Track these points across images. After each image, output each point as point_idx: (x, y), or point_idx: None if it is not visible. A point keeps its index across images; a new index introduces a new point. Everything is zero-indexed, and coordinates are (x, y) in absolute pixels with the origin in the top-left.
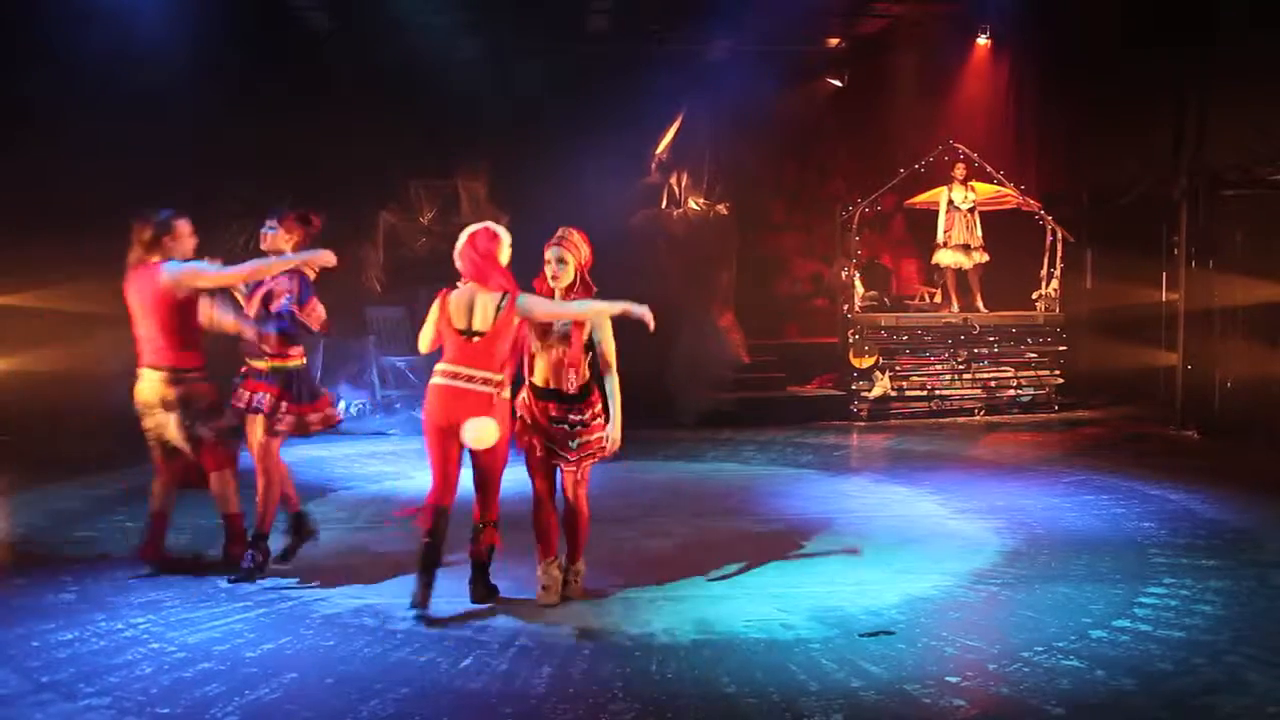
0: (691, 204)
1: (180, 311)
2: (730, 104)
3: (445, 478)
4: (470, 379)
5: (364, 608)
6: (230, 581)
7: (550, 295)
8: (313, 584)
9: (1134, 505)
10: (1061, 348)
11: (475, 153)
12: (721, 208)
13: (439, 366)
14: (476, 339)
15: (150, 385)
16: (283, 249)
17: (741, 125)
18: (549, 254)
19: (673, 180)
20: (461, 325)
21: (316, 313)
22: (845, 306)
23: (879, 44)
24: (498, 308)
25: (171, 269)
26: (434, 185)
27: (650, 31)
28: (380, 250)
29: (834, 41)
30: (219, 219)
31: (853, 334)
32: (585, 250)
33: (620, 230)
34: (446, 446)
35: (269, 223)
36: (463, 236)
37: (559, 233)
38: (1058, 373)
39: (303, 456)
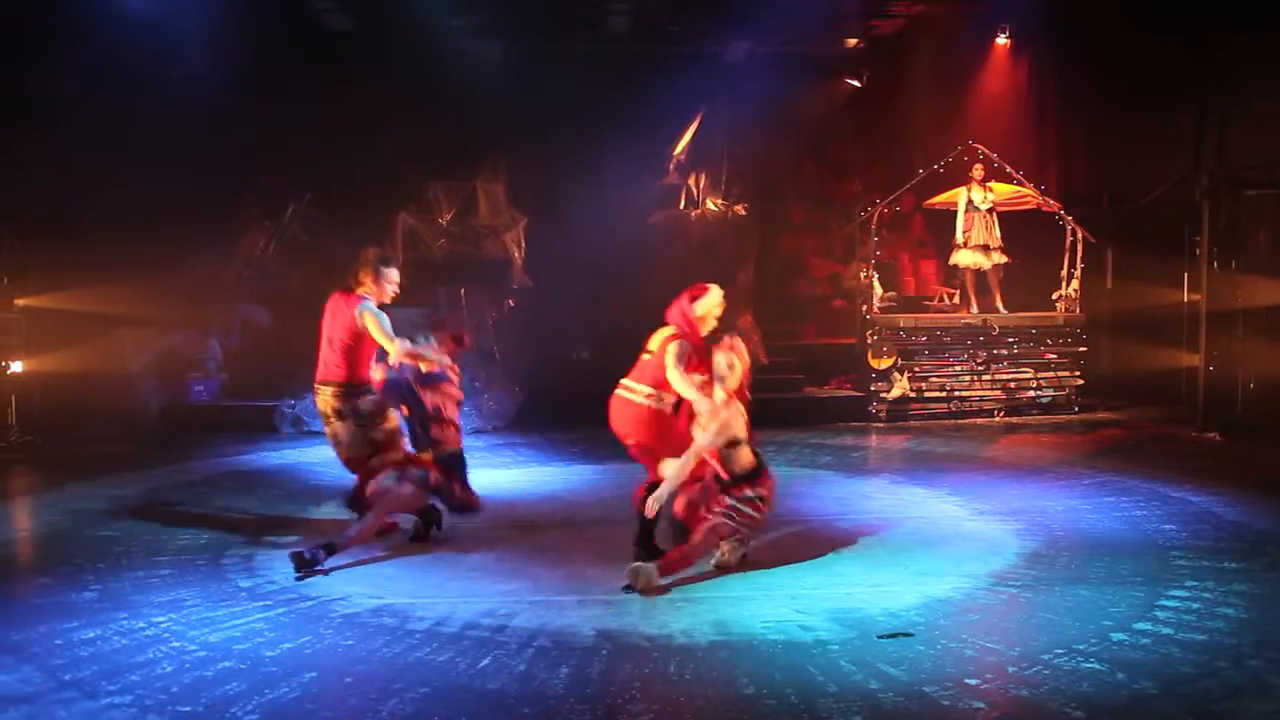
0: (710, 205)
1: (362, 342)
2: (748, 105)
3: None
4: (632, 391)
5: (383, 607)
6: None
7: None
8: (332, 584)
9: (1155, 507)
10: (1081, 349)
11: (494, 154)
12: (740, 208)
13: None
14: (648, 357)
15: (322, 399)
16: (430, 358)
17: (760, 126)
18: (719, 357)
19: (691, 181)
20: (651, 347)
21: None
22: (864, 307)
23: (897, 44)
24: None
25: (365, 308)
26: (453, 187)
27: (669, 32)
28: (399, 252)
29: (852, 42)
30: (242, 222)
31: (871, 335)
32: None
33: (638, 231)
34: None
35: (425, 338)
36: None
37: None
38: (1078, 374)
39: (323, 457)
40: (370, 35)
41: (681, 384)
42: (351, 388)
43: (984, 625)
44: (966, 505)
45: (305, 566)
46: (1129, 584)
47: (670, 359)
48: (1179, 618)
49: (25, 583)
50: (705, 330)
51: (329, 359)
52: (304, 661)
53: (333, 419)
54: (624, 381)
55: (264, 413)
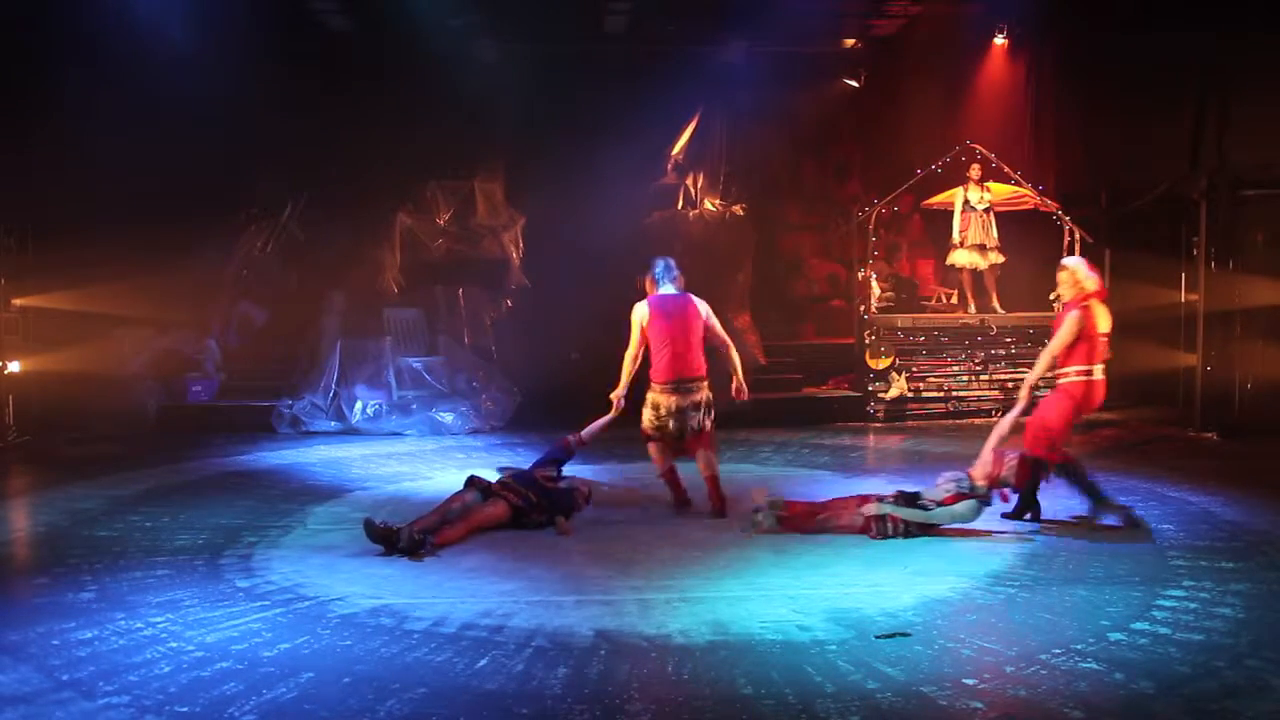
0: (707, 205)
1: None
2: (746, 105)
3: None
4: (1100, 372)
5: (381, 608)
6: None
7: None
8: (330, 584)
9: (1153, 507)
10: None
11: (492, 154)
12: (738, 209)
13: (1090, 366)
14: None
15: (687, 394)
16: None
17: (757, 126)
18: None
19: (689, 181)
20: (1105, 329)
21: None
22: (862, 307)
23: (895, 44)
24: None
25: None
26: (451, 186)
27: (667, 32)
28: (397, 251)
29: (850, 42)
30: (240, 222)
31: (869, 335)
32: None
33: (636, 231)
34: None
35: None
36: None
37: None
38: None
39: (321, 457)
40: (369, 36)
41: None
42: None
43: (982, 625)
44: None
45: (416, 548)
46: (1126, 584)
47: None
48: (1176, 618)
49: (23, 583)
50: None
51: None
52: (302, 662)
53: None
54: (1098, 367)
55: (262, 413)
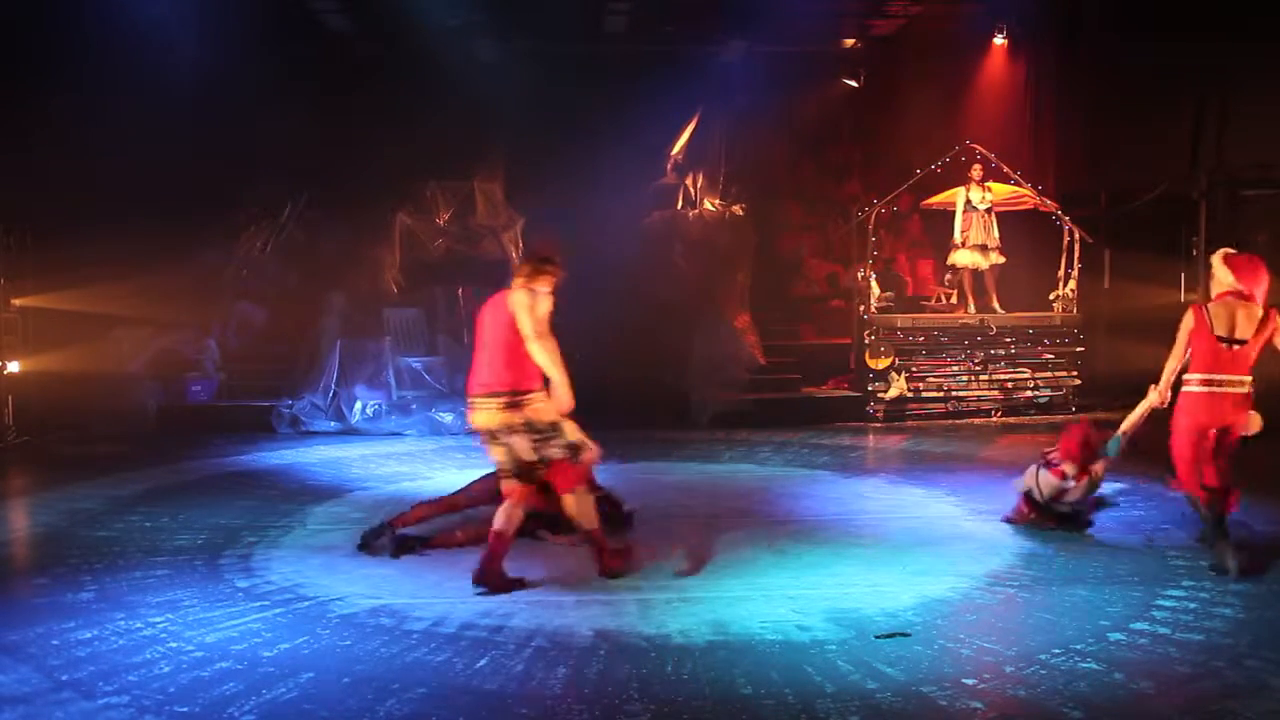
0: (707, 205)
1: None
2: (746, 105)
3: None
4: (1227, 384)
5: (380, 608)
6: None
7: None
8: (330, 584)
9: (1153, 507)
10: (1079, 349)
11: (492, 154)
12: (737, 209)
13: (1210, 375)
14: (1236, 347)
15: (488, 413)
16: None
17: (757, 126)
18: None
19: (688, 181)
20: (1222, 332)
21: None
22: (861, 307)
23: (895, 44)
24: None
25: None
26: (450, 186)
27: (666, 32)
28: (397, 251)
29: (849, 42)
30: (239, 222)
31: (869, 335)
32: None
33: (636, 231)
34: (1200, 443)
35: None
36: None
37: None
38: (1075, 374)
39: (321, 457)
40: (369, 36)
41: None
42: (522, 394)
43: (981, 625)
44: (964, 505)
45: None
46: (1126, 584)
47: None
48: (1176, 617)
49: (22, 583)
50: None
51: (491, 365)
52: (301, 662)
53: (502, 434)
54: (1219, 377)
55: (262, 413)
